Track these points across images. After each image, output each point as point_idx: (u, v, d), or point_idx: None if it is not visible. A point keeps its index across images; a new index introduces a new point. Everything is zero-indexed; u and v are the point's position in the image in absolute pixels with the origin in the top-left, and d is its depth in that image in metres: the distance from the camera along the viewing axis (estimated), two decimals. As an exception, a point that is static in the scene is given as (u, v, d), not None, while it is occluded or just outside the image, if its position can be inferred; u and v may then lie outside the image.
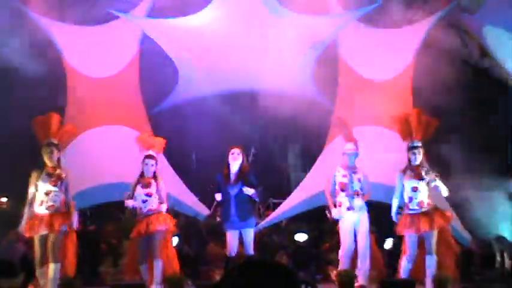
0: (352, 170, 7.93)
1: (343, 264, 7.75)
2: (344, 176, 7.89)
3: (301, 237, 9.29)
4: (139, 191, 7.59)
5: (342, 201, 7.85)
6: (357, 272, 7.71)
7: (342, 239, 7.84)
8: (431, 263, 7.31)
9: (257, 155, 9.95)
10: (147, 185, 7.65)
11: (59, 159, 7.27)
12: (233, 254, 7.69)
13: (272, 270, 4.73)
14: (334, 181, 7.97)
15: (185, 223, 9.53)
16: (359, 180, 7.89)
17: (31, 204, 7.16)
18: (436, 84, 9.05)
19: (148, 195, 7.62)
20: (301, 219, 9.76)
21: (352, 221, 7.82)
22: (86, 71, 9.70)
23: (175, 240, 8.69)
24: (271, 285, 4.62)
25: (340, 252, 7.82)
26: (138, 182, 7.67)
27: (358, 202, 7.83)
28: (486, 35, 9.56)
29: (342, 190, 7.87)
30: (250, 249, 7.66)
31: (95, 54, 9.64)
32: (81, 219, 7.73)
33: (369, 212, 8.16)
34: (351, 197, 7.84)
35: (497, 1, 9.03)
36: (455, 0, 9.35)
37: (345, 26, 9.58)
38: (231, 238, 7.67)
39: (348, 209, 7.80)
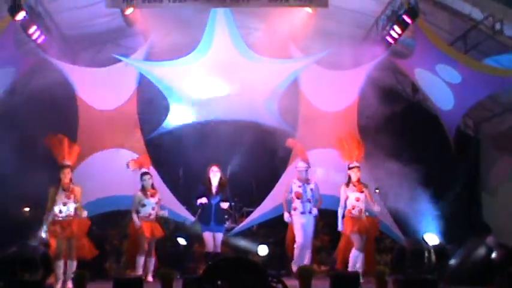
0: (305, 181, 9.32)
1: (297, 255, 9.18)
2: (299, 186, 9.30)
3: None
4: (151, 200, 9.12)
5: (297, 206, 9.26)
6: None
7: (297, 236, 9.23)
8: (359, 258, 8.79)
9: (233, 172, 10.82)
10: (153, 195, 9.18)
11: (71, 178, 8.59)
12: (211, 250, 9.12)
13: (246, 266, 5.60)
14: (291, 190, 9.33)
15: (174, 227, 10.45)
16: (311, 190, 9.29)
17: (50, 214, 8.38)
18: (377, 114, 10.31)
19: (157, 203, 9.17)
20: (268, 225, 10.80)
21: (303, 223, 9.25)
22: (94, 104, 10.69)
23: (182, 241, 10.07)
24: (245, 279, 5.45)
25: (296, 246, 9.22)
26: (144, 194, 9.14)
27: (309, 207, 9.26)
28: (417, 75, 10.46)
29: (297, 198, 9.26)
30: (218, 249, 9.14)
31: (101, 91, 10.57)
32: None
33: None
34: (304, 203, 9.28)
35: (424, 50, 9.64)
36: (391, 47, 10.14)
37: (304, 68, 10.59)
38: (208, 237, 9.14)
39: (302, 213, 9.25)
